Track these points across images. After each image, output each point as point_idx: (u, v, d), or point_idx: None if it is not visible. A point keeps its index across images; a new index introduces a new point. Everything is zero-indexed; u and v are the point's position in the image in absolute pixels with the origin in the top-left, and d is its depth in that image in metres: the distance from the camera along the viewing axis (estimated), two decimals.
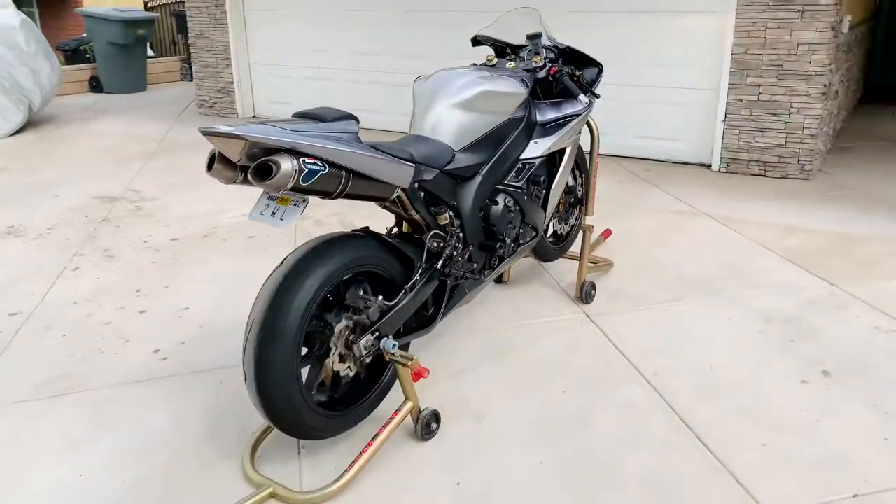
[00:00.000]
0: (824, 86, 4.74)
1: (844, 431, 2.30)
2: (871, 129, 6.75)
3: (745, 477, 2.10)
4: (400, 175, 2.08)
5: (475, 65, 2.78)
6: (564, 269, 3.57)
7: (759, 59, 4.83)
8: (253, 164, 1.79)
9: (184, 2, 13.62)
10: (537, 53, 2.82)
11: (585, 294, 3.17)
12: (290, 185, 1.78)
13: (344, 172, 1.91)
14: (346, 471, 2.10)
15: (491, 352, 2.82)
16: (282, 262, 2.03)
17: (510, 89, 2.56)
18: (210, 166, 1.87)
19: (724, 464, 2.16)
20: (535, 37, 2.86)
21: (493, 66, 2.75)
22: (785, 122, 4.90)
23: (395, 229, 2.55)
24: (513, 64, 2.77)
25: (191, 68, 11.20)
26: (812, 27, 4.62)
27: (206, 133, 1.75)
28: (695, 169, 5.39)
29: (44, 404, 2.58)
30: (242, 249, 4.01)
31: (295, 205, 1.92)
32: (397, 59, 6.92)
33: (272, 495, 2.05)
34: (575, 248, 3.42)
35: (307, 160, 1.81)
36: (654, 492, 2.05)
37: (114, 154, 6.39)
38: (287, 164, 1.76)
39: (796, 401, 2.47)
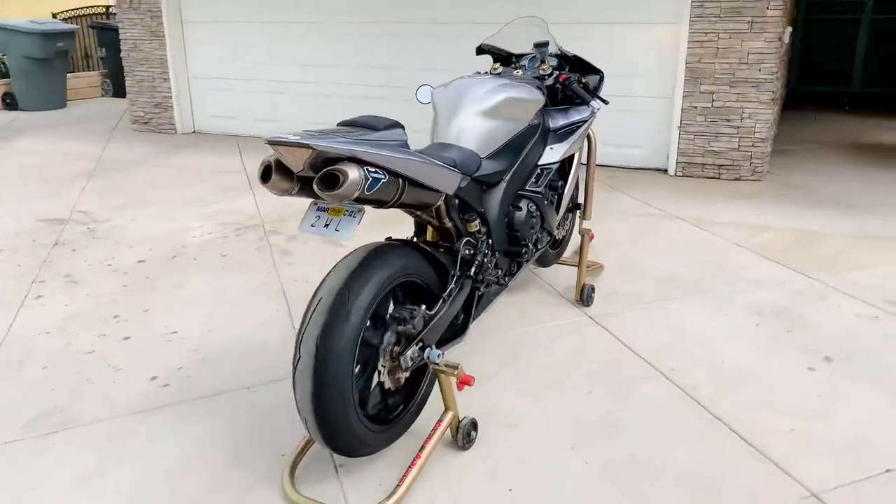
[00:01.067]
0: (773, 92, 5.01)
1: (860, 413, 2.42)
2: (799, 133, 7.18)
3: (783, 461, 2.17)
4: (449, 182, 2.06)
5: (481, 73, 2.79)
6: (554, 274, 3.60)
7: (712, 67, 5.06)
8: (318, 175, 1.72)
9: (103, 13, 13.06)
10: (543, 61, 2.85)
11: (586, 297, 3.22)
12: (356, 194, 1.73)
13: (400, 181, 1.87)
14: (399, 485, 2.05)
15: (508, 358, 2.82)
16: (329, 275, 1.95)
17: (531, 96, 2.58)
18: (266, 178, 1.80)
19: (760, 451, 2.23)
20: (542, 45, 2.89)
21: (499, 74, 2.77)
22: (737, 127, 5.14)
23: (415, 239, 2.52)
24: (520, 72, 2.79)
25: (112, 83, 10.75)
26: (761, 37, 4.89)
27: (273, 143, 1.69)
28: (653, 174, 5.58)
29: (40, 442, 2.39)
30: (218, 269, 3.85)
31: (350, 215, 1.87)
32: (355, 70, 6.85)
33: None
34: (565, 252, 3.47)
35: (370, 169, 1.76)
36: (699, 483, 2.09)
37: (48, 174, 6.03)
38: (355, 174, 1.71)
39: (809, 387, 2.58)
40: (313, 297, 1.93)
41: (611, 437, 2.33)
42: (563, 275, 3.57)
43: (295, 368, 1.89)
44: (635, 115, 5.61)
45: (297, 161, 1.72)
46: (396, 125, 1.95)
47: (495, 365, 2.77)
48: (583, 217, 3.27)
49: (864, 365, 2.72)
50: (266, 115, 7.42)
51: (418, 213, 2.20)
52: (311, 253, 4.04)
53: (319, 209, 1.92)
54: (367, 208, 1.95)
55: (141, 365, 2.86)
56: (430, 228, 2.44)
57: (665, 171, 5.58)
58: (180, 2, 7.45)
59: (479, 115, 2.38)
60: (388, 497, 2.02)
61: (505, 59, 3.02)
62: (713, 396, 2.53)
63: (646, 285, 3.48)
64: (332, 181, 1.71)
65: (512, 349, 2.89)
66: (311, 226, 1.91)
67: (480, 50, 3.07)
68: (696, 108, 5.22)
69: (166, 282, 3.69)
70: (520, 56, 2.99)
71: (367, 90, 6.79)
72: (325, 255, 4.00)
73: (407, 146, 1.94)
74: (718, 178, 5.33)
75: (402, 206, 1.99)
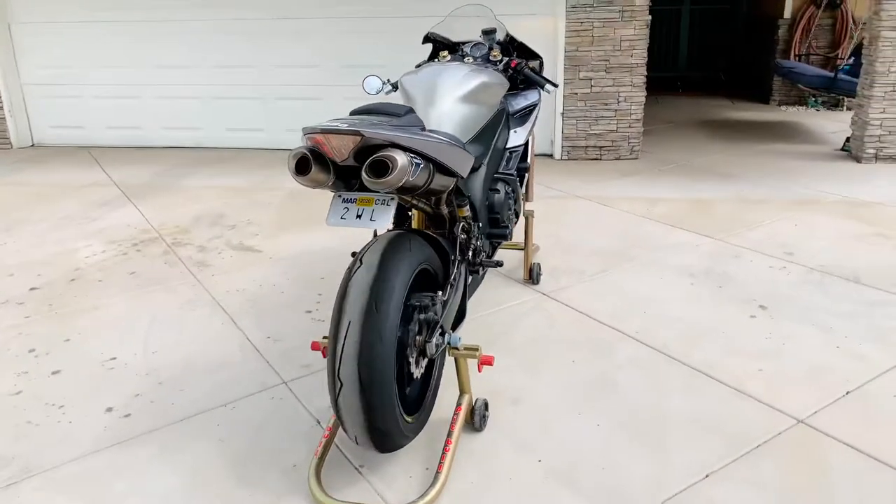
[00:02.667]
0: (644, 76, 5.44)
1: (806, 348, 2.73)
2: (651, 114, 7.82)
3: (763, 397, 2.41)
4: (466, 165, 2.05)
5: (438, 61, 2.79)
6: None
7: (589, 55, 5.39)
8: (366, 162, 1.65)
9: None
10: (491, 48, 2.89)
11: (535, 276, 3.33)
12: (404, 180, 1.68)
13: (432, 166, 1.84)
14: (439, 471, 2.03)
15: (484, 340, 2.85)
16: (352, 287, 1.84)
17: (499, 81, 2.62)
18: (302, 170, 1.69)
19: (741, 391, 2.45)
20: (490, 32, 2.93)
21: (449, 62, 2.78)
22: (615, 111, 5.52)
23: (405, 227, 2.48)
24: (470, 60, 2.82)
25: None
26: (631, 25, 5.28)
27: (321, 131, 1.60)
28: (541, 159, 5.84)
29: (2, 495, 2.09)
30: (133, 288, 3.53)
31: (384, 204, 1.81)
32: (214, 71, 6.50)
33: None
34: None
35: (411, 155, 1.72)
36: (703, 424, 2.26)
37: None
38: (403, 159, 1.66)
39: (757, 332, 2.86)
40: (340, 316, 1.80)
41: (610, 397, 2.45)
42: (502, 256, 3.65)
43: (337, 395, 1.80)
44: None
45: (343, 149, 1.65)
46: (411, 111, 1.92)
47: None
48: (526, 199, 3.38)
49: (792, 308, 3.06)
50: (120, 121, 6.84)
51: (425, 200, 2.17)
52: (230, 263, 3.82)
53: (345, 201, 1.85)
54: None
55: (87, 398, 2.57)
56: (417, 216, 2.42)
57: (551, 156, 5.87)
58: (3, 1, 6.65)
59: (457, 101, 2.39)
60: (433, 484, 1.99)
61: (449, 48, 3.03)
62: (684, 350, 2.74)
63: (581, 260, 3.66)
64: (380, 168, 1.66)
65: (485, 331, 2.93)
66: (342, 218, 1.82)
67: (427, 39, 3.06)
68: (576, 94, 5.54)
69: (77, 307, 3.32)
70: (461, 44, 3.02)
71: (225, 90, 6.49)
72: (246, 263, 3.79)
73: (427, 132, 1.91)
74: (600, 160, 5.69)
75: (420, 193, 1.95)
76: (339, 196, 1.86)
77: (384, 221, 1.81)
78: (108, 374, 2.73)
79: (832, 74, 6.25)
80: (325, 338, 2.26)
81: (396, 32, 6.03)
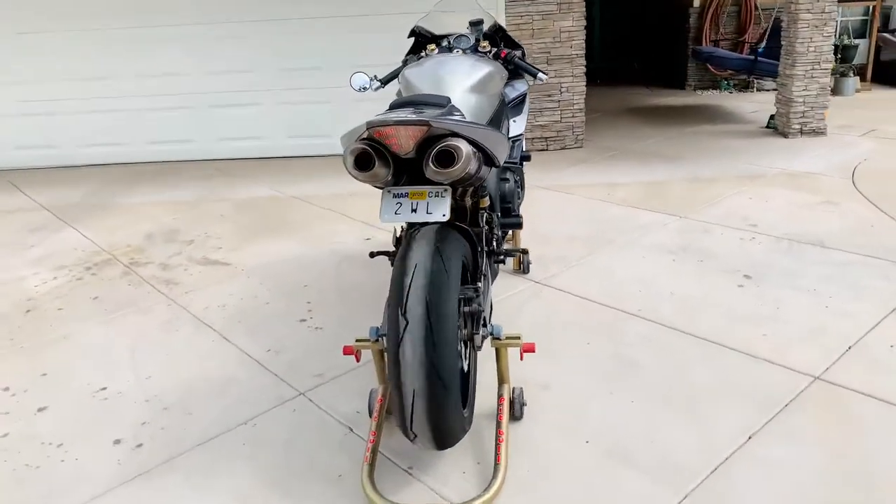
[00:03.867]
0: (583, 66, 5.58)
1: (799, 310, 2.87)
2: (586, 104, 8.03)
3: (776, 359, 2.52)
4: (504, 154, 2.03)
5: (429, 53, 2.75)
6: None
7: (531, 47, 5.47)
8: (433, 152, 1.61)
9: None
10: (478, 40, 2.87)
11: (525, 265, 3.35)
12: (468, 170, 1.65)
13: (481, 155, 1.81)
14: (497, 463, 2.01)
15: None
16: (412, 291, 1.77)
17: (500, 71, 2.61)
18: (364, 166, 1.63)
19: (753, 356, 2.55)
20: (477, 23, 2.91)
21: (449, 54, 2.75)
22: (559, 101, 5.63)
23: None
24: (458, 51, 2.80)
25: None
26: (569, 17, 5.40)
27: (397, 122, 1.54)
28: None
29: None
30: (102, 313, 3.30)
31: (438, 196, 1.77)
32: (137, 81, 6.17)
33: None
34: None
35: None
36: (730, 390, 2.34)
37: None
38: (467, 149, 1.63)
39: (751, 300, 2.99)
40: (400, 317, 1.75)
41: (634, 374, 2.49)
42: None
43: (403, 399, 1.75)
44: None
45: (409, 141, 1.61)
46: (449, 100, 1.88)
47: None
48: None
49: (773, 275, 3.21)
50: (31, 140, 6.38)
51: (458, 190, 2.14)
52: (200, 279, 3.64)
53: (396, 196, 1.79)
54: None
55: (87, 432, 2.38)
56: None
57: None
58: None
59: (467, 91, 2.36)
60: (494, 477, 1.97)
61: (434, 41, 3.00)
62: (688, 323, 2.82)
63: (561, 247, 3.71)
64: (445, 158, 1.62)
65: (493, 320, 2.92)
66: (396, 213, 1.78)
67: (413, 32, 3.02)
68: None
69: (43, 338, 3.08)
70: (444, 37, 2.99)
71: (148, 101, 6.20)
72: (218, 278, 3.62)
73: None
74: (547, 150, 5.80)
75: (469, 183, 1.92)
76: (389, 191, 1.81)
77: (441, 213, 1.77)
78: (103, 406, 2.54)
79: (752, 57, 6.61)
80: (358, 341, 2.21)
81: (335, 33, 5.92)
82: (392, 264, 2.52)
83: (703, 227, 3.88)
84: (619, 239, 3.77)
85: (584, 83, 5.67)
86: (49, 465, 2.23)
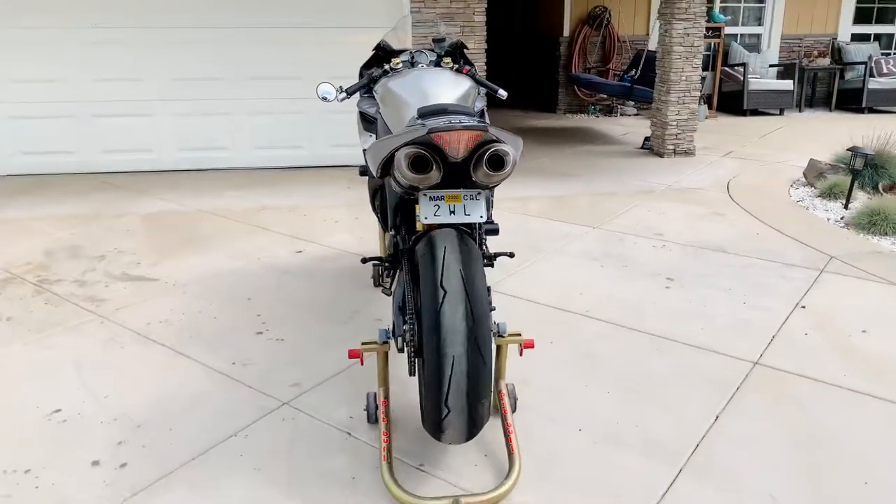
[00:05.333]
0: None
1: (723, 307, 3.24)
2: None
3: (716, 348, 2.84)
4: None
5: (401, 66, 2.83)
6: None
7: None
8: (486, 156, 1.72)
9: None
10: (440, 56, 2.98)
11: None
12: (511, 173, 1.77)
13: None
14: (511, 452, 2.11)
15: None
16: (438, 251, 1.85)
17: (475, 86, 2.73)
18: (421, 169, 1.70)
19: (698, 346, 2.86)
20: (440, 40, 3.01)
21: (429, 68, 2.83)
22: None
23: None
24: (422, 66, 2.90)
25: None
26: (472, 40, 5.65)
27: (465, 128, 1.63)
28: None
29: None
30: (23, 334, 3.04)
31: (473, 198, 1.88)
32: (10, 86, 5.66)
33: None
34: None
35: None
36: (688, 377, 2.62)
37: None
38: (514, 154, 1.75)
39: (678, 298, 3.33)
40: (435, 287, 1.82)
41: (601, 368, 2.70)
42: None
43: (442, 367, 1.82)
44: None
45: (466, 146, 1.70)
46: (477, 110, 1.99)
47: None
48: None
49: (691, 278, 3.59)
50: None
51: None
52: (128, 295, 3.43)
53: (433, 199, 1.87)
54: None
55: (56, 457, 2.21)
56: None
57: None
58: None
59: (455, 102, 2.47)
60: (511, 465, 2.07)
61: (393, 55, 3.09)
62: (634, 321, 3.10)
63: None
64: (496, 162, 1.73)
65: None
66: (436, 215, 1.86)
67: (379, 47, 3.08)
68: None
69: None
70: (397, 52, 3.08)
71: (105, 107, 5.76)
72: (149, 294, 3.44)
73: None
74: None
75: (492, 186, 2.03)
76: (426, 195, 1.88)
77: (478, 214, 1.88)
78: (63, 428, 2.36)
79: (629, 84, 7.25)
80: (364, 343, 2.24)
81: (232, 43, 5.79)
82: (382, 271, 2.58)
83: (617, 236, 4.23)
84: (547, 247, 4.03)
85: (486, 103, 5.93)
86: (22, 494, 2.05)
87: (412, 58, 2.98)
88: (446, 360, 1.81)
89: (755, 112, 9.14)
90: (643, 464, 2.15)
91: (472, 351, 1.80)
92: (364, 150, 3.02)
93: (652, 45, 8.97)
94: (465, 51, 3.07)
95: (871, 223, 4.22)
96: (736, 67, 8.98)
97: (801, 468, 2.13)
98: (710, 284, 3.50)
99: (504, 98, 2.98)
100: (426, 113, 1.92)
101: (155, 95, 5.85)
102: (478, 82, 2.96)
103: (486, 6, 5.69)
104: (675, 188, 5.34)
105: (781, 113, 9.19)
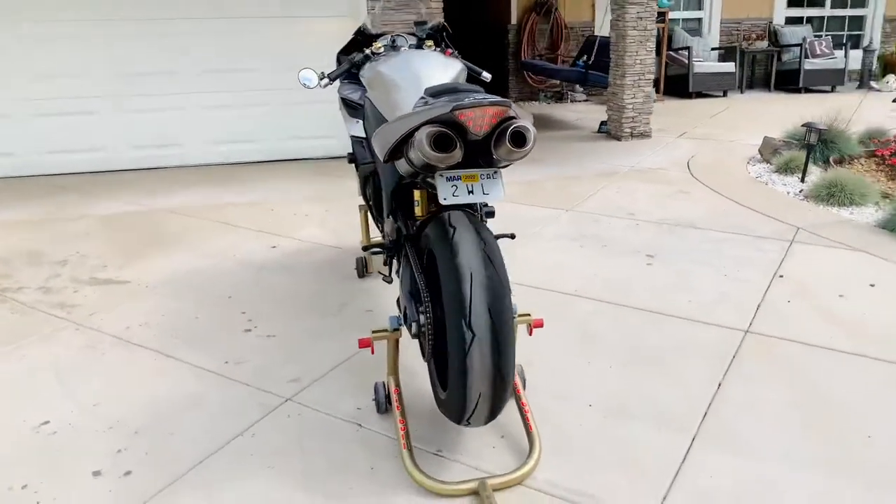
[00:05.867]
0: None
1: (706, 280, 3.31)
2: None
3: (706, 319, 2.90)
4: None
5: (381, 50, 2.78)
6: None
7: None
8: (509, 132, 1.70)
9: None
10: (422, 39, 2.94)
11: None
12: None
13: None
14: (530, 431, 2.12)
15: None
16: (464, 280, 1.80)
17: (465, 68, 2.69)
18: (444, 147, 1.66)
19: (688, 319, 2.92)
20: (422, 23, 2.97)
21: (419, 51, 2.79)
22: None
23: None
24: (404, 49, 2.86)
25: None
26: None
27: (492, 103, 1.60)
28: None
29: None
30: None
31: (490, 177, 1.85)
32: (29, 82, 5.40)
33: (479, 487, 1.93)
34: None
35: None
36: (685, 349, 2.66)
37: None
38: (534, 130, 1.73)
39: (661, 274, 3.38)
40: (461, 326, 1.77)
41: (599, 344, 2.73)
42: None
43: (468, 400, 1.81)
44: (323, 105, 5.81)
45: (490, 122, 1.68)
46: (483, 88, 1.96)
47: None
48: None
49: (670, 254, 3.66)
50: None
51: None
52: (99, 300, 3.29)
53: (449, 179, 1.84)
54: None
55: (52, 470, 2.10)
56: (423, 201, 2.41)
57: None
58: None
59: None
60: (532, 444, 2.08)
61: (364, 42, 3.04)
62: (623, 298, 3.13)
63: None
64: (518, 139, 1.72)
65: None
66: (454, 195, 1.83)
67: (359, 31, 3.02)
68: None
69: None
70: (376, 37, 3.03)
71: (42, 104, 5.47)
72: (121, 297, 3.30)
73: None
74: None
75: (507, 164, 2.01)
76: (442, 175, 1.85)
77: (497, 193, 1.86)
78: (55, 440, 2.24)
79: (583, 70, 7.33)
80: (375, 332, 2.20)
81: (184, 35, 5.59)
82: (388, 259, 2.54)
83: (591, 217, 4.28)
84: (526, 231, 4.04)
85: None
86: None
87: (393, 41, 2.93)
88: (472, 397, 1.80)
89: (700, 94, 9.39)
90: (657, 434, 2.18)
91: (501, 336, 1.78)
92: (352, 137, 2.97)
93: (597, 30, 9.12)
94: (447, 34, 3.04)
95: (830, 195, 4.38)
96: (680, 51, 9.19)
97: (807, 427, 2.19)
98: (690, 259, 3.57)
99: (488, 80, 2.96)
100: (437, 92, 1.88)
101: (100, 92, 5.61)
102: (463, 64, 2.93)
103: None
104: (638, 169, 5.43)
105: (725, 94, 9.47)
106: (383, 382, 2.33)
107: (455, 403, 1.85)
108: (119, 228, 4.30)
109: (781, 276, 3.32)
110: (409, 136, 1.81)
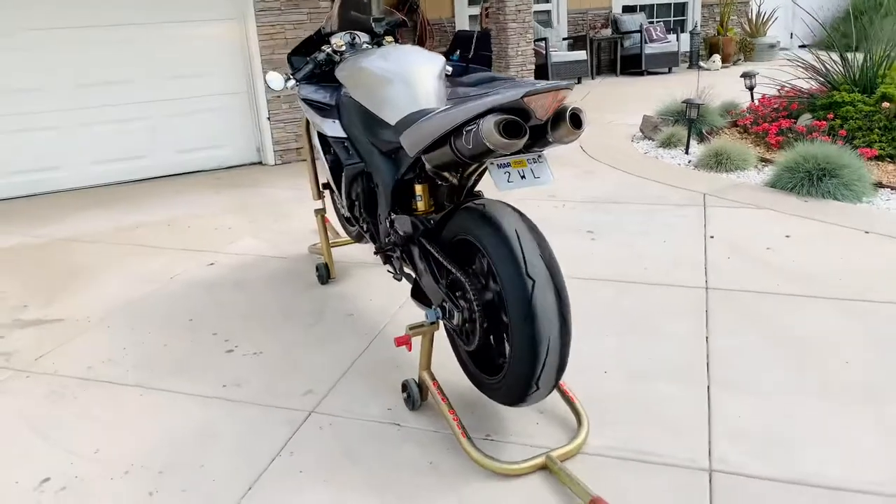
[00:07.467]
0: None
1: (651, 248, 3.57)
2: None
3: (668, 282, 3.15)
4: None
5: (358, 47, 2.74)
6: (347, 254, 3.67)
7: (285, 57, 5.44)
8: (568, 114, 1.77)
9: None
10: (383, 35, 2.91)
11: None
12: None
13: None
14: (572, 403, 2.22)
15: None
16: (510, 237, 1.88)
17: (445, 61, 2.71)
18: (516, 133, 1.70)
19: (653, 283, 3.15)
20: (380, 20, 2.92)
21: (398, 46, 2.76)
22: None
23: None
24: (367, 46, 2.84)
25: None
26: (317, 26, 5.51)
27: (543, 91, 1.66)
28: (255, 168, 5.67)
29: None
30: None
31: (536, 161, 1.92)
32: None
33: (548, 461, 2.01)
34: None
35: None
36: (661, 309, 2.88)
37: None
38: (585, 113, 1.82)
39: (608, 247, 3.61)
40: (520, 276, 1.84)
41: (586, 316, 2.88)
42: (345, 251, 3.68)
43: (538, 352, 1.86)
44: (213, 114, 5.56)
45: (554, 105, 1.74)
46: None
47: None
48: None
49: (608, 228, 3.91)
50: None
51: (462, 171, 2.26)
52: (37, 340, 2.96)
53: (500, 166, 1.88)
54: None
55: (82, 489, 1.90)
56: (425, 196, 2.42)
57: (261, 163, 5.76)
58: None
59: (435, 79, 2.43)
60: (578, 417, 2.17)
61: (318, 42, 2.99)
62: (584, 271, 3.32)
63: None
64: (576, 121, 1.79)
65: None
66: (508, 182, 1.87)
67: (317, 32, 2.94)
68: (279, 97, 5.55)
69: None
70: (329, 35, 2.97)
71: None
72: (65, 336, 3.00)
73: None
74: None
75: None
76: (493, 163, 1.89)
77: (547, 176, 1.92)
78: (68, 498, 2.02)
79: (464, 65, 7.49)
80: (411, 328, 2.20)
81: (52, 47, 5.09)
82: (385, 258, 2.53)
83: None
84: None
85: None
86: None
87: (352, 38, 2.90)
88: (541, 346, 1.86)
89: None
90: (676, 389, 2.36)
91: (557, 280, 1.87)
92: (331, 138, 2.89)
93: (459, 25, 9.38)
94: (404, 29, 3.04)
95: (718, 162, 4.87)
96: (538, 42, 9.67)
97: (792, 361, 2.47)
98: (627, 232, 3.84)
99: (449, 73, 3.01)
100: (478, 81, 1.92)
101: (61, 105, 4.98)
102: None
103: None
104: None
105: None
106: (412, 379, 2.33)
107: (520, 368, 1.89)
108: (21, 263, 3.86)
109: (712, 237, 3.67)
110: (459, 126, 1.84)
